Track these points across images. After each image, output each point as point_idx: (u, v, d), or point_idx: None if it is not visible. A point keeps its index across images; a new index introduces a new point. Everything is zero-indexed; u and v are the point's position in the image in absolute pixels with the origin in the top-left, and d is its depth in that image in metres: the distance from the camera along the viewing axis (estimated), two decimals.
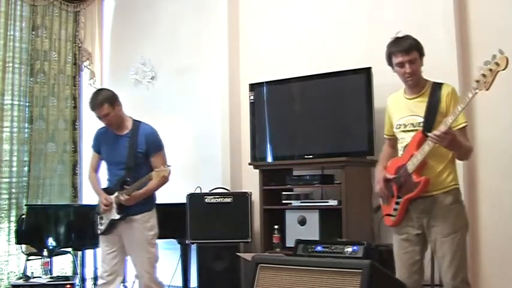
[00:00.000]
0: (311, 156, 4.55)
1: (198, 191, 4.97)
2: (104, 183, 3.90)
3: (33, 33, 5.76)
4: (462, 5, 4.26)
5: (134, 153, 3.74)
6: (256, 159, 4.86)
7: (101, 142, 3.92)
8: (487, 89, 2.57)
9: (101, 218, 3.81)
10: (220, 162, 5.34)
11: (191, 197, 4.83)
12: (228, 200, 4.82)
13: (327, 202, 4.42)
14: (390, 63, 3.00)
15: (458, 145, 2.81)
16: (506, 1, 4.10)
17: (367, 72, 4.35)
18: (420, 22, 4.35)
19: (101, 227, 3.80)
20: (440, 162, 2.90)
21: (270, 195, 4.69)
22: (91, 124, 6.18)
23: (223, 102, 5.39)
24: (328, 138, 4.57)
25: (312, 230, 4.37)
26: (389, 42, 3.01)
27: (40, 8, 5.82)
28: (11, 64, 5.54)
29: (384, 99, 4.36)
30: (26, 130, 5.67)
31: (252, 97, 4.92)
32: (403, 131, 3.01)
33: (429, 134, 2.77)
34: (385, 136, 3.24)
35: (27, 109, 5.69)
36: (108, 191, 3.81)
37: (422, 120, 2.92)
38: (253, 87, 4.94)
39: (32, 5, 5.75)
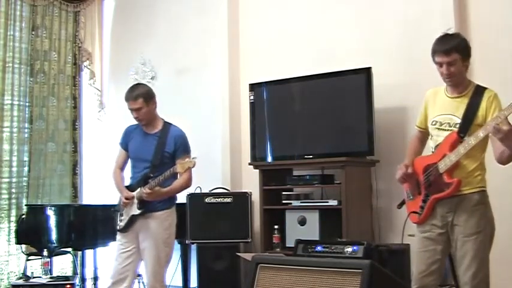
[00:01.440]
0: (311, 156, 4.55)
1: (198, 191, 4.96)
2: (127, 182, 3.89)
3: (33, 33, 5.76)
4: (462, 5, 4.26)
5: (161, 152, 3.74)
6: (256, 159, 4.86)
7: (130, 139, 3.91)
8: None
9: (121, 215, 3.79)
10: (220, 162, 5.34)
11: (191, 197, 4.82)
12: (228, 200, 4.82)
13: (327, 202, 4.43)
14: (434, 60, 2.91)
15: None
16: (506, 1, 4.11)
17: (367, 72, 4.35)
18: (420, 22, 4.36)
19: (121, 223, 3.77)
20: (472, 162, 2.84)
21: (270, 195, 4.69)
22: (91, 124, 6.22)
23: (223, 102, 5.39)
24: (328, 138, 4.57)
25: (312, 230, 4.37)
26: (436, 39, 2.91)
27: (40, 8, 5.81)
28: (11, 64, 5.53)
29: (384, 99, 4.42)
30: (26, 130, 5.67)
31: (252, 97, 4.92)
32: (438, 129, 2.94)
33: (487, 126, 2.64)
34: (416, 127, 3.16)
35: (27, 109, 5.69)
36: (130, 188, 3.79)
37: (459, 121, 2.85)
38: (253, 87, 4.94)
39: (32, 5, 5.75)
